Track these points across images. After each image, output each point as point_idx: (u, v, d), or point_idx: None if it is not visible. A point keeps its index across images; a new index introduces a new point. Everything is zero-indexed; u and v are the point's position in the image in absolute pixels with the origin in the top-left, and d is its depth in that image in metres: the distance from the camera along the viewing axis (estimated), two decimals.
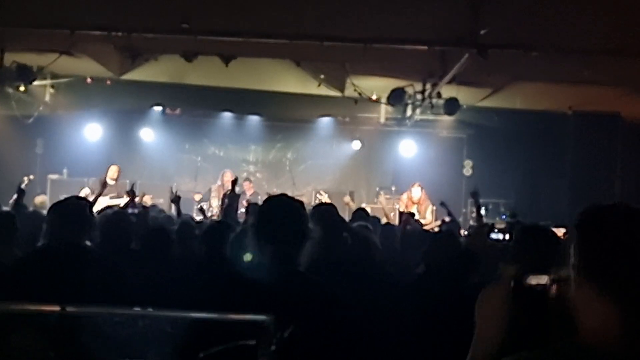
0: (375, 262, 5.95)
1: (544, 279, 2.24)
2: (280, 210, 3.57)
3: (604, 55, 11.39)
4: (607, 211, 2.09)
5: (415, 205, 15.43)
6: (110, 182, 15.15)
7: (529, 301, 3.24)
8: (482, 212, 15.52)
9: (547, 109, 15.97)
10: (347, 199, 14.68)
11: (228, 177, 16.81)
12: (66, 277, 4.51)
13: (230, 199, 8.88)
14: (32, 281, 4.65)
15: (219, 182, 16.91)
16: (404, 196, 15.86)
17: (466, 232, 10.98)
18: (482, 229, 4.87)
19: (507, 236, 4.87)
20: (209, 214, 14.15)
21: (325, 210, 5.88)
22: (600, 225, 2.06)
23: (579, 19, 10.29)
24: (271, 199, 3.75)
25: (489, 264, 6.37)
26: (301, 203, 3.69)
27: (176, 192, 10.27)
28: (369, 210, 10.62)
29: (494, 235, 4.83)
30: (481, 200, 16.50)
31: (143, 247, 6.44)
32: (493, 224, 4.97)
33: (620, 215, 2.07)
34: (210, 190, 16.88)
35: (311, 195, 17.48)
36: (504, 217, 15.66)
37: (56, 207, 5.32)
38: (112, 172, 15.39)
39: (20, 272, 4.88)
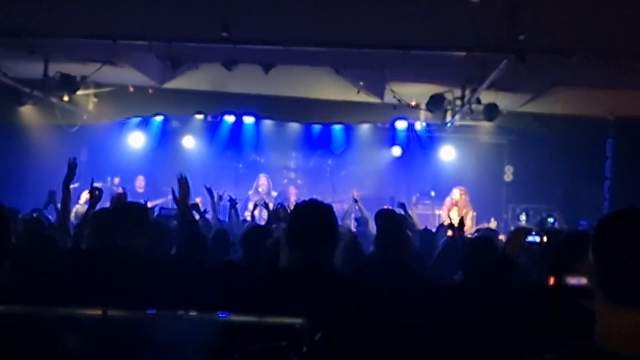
0: (412, 266, 5.99)
1: (583, 280, 2.18)
2: (309, 216, 3.62)
3: None
4: (622, 216, 2.00)
5: (456, 208, 15.46)
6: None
7: (567, 299, 3.21)
8: (523, 217, 15.68)
9: (588, 115, 15.84)
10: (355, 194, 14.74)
11: (263, 182, 16.99)
12: (108, 280, 4.60)
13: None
14: (75, 285, 4.75)
15: (255, 187, 17.11)
16: (447, 199, 15.99)
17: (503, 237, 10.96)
18: (519, 232, 4.84)
19: (545, 239, 4.81)
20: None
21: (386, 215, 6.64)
22: (613, 231, 1.98)
23: (619, 22, 10.21)
24: (301, 205, 3.82)
25: (526, 267, 6.37)
26: (330, 207, 3.74)
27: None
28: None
29: (530, 238, 4.78)
30: (523, 206, 16.79)
31: (179, 252, 6.52)
32: (530, 228, 4.92)
33: (636, 221, 1.97)
34: (248, 197, 17.04)
35: (351, 201, 17.50)
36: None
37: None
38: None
39: (63, 276, 4.98)
